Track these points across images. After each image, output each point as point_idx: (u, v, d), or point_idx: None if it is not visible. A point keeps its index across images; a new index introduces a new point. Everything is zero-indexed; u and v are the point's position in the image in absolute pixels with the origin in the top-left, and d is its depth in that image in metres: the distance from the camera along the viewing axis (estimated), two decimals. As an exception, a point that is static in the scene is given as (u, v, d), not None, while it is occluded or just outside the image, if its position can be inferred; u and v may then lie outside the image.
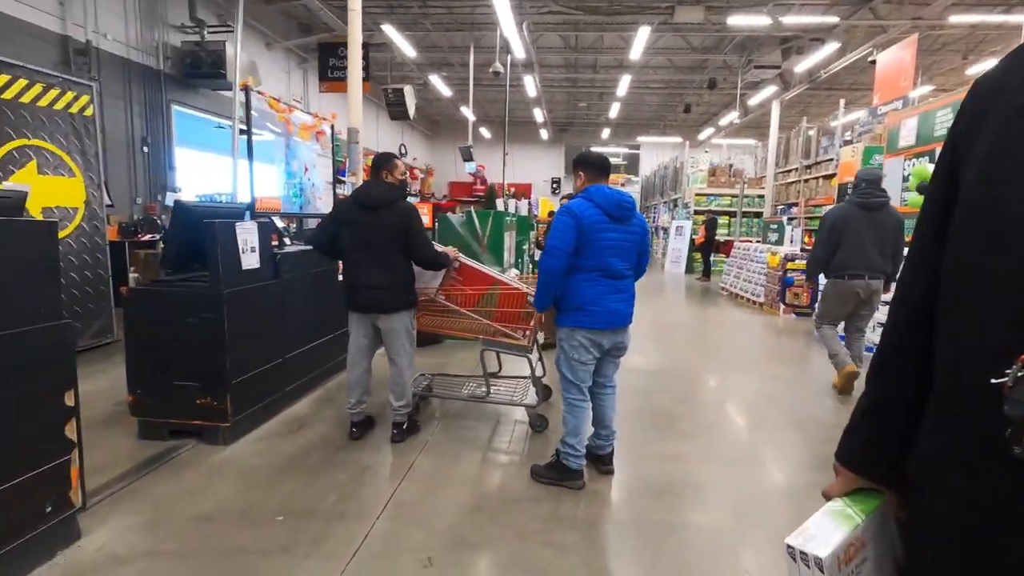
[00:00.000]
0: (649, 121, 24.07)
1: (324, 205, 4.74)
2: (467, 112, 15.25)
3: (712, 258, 13.63)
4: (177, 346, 3.23)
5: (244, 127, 4.01)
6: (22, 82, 4.59)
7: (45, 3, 7.30)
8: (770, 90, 14.79)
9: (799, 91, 14.62)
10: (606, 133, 24.56)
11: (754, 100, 15.88)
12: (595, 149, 25.91)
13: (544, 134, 23.47)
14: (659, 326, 7.34)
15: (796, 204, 11.74)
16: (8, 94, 4.49)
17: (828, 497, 0.90)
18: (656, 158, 23.60)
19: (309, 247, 4.24)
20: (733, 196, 14.50)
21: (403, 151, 19.08)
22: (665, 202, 19.08)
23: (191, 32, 9.44)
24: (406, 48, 12.11)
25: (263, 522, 2.52)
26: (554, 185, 26.31)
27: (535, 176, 25.67)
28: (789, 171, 13.14)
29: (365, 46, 10.81)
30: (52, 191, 4.87)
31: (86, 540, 2.32)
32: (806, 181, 11.87)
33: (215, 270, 3.19)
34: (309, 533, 2.45)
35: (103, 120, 7.16)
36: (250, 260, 3.45)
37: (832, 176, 10.32)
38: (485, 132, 23.08)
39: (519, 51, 11.79)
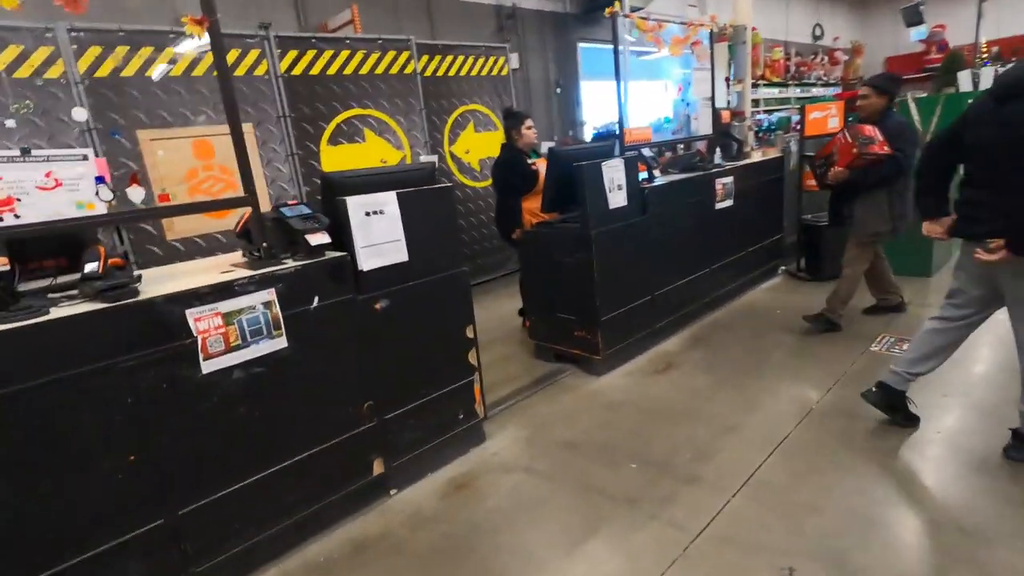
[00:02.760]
0: None
1: (702, 127, 4.29)
2: (917, -45, 11.18)
3: None
4: (557, 282, 3.56)
5: (635, 51, 3.92)
6: (460, 58, 5.71)
7: (481, -18, 8.80)
8: None
9: None
10: None
11: None
12: None
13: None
14: None
15: None
16: (452, 71, 5.67)
17: None
18: None
19: (682, 176, 3.94)
20: None
21: (819, 32, 15.85)
22: None
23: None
24: None
25: (617, 465, 2.59)
26: (1081, 27, 17.17)
27: (1041, 20, 17.28)
28: None
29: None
30: (483, 146, 6.02)
31: (488, 443, 2.88)
32: None
33: (584, 211, 3.31)
34: (658, 491, 2.37)
35: (527, 72, 8.29)
36: (617, 199, 3.43)
37: None
38: (949, -25, 16.66)
39: None
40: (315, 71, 4.67)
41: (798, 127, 5.36)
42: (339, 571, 2.10)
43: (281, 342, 2.08)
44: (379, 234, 2.34)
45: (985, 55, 11.34)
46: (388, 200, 2.36)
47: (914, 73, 17.93)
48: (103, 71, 3.67)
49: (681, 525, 2.15)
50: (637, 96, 4.18)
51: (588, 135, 9.35)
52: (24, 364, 1.58)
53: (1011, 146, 2.01)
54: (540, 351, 3.86)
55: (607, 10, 3.51)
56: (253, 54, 4.33)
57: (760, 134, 6.80)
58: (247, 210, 2.32)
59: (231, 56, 4.20)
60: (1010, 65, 2.99)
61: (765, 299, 4.53)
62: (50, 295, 1.83)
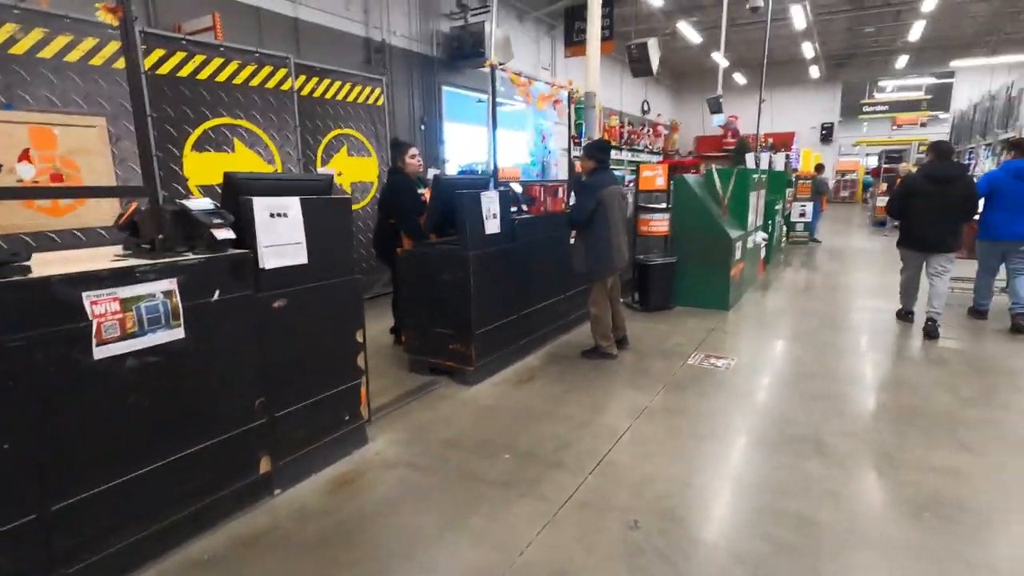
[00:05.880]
0: (971, 39, 18.55)
1: (560, 171, 4.97)
2: (718, 58, 13.93)
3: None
4: (435, 299, 3.85)
5: (492, 100, 4.46)
6: (337, 83, 5.83)
7: (355, 14, 9.01)
8: None
9: None
10: (902, 62, 19.78)
11: None
12: (884, 82, 21.15)
13: (814, 72, 20.05)
14: (954, 303, 5.83)
15: None
16: (329, 94, 5.77)
17: None
18: (979, 87, 18.15)
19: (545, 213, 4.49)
20: (1109, 131, 10.36)
21: (646, 108, 18.52)
22: (988, 144, 14.64)
23: (457, 18, 10.58)
24: (652, -2, 11.54)
25: (493, 456, 2.91)
26: (824, 132, 22.50)
27: (799, 123, 22.31)
28: None
29: (608, 3, 10.65)
30: (356, 170, 6.15)
31: (371, 445, 3.01)
32: None
33: (463, 234, 3.67)
34: (528, 474, 2.73)
35: (392, 106, 8.59)
36: (492, 225, 3.86)
37: None
38: (739, 78, 20.82)
39: (784, -22, 10.19)
40: (183, 73, 4.49)
41: (630, 183, 6.45)
42: (227, 566, 2.09)
43: (179, 332, 2.07)
44: (282, 235, 2.45)
45: (764, 144, 14.35)
46: (292, 204, 2.49)
47: (716, 151, 21.67)
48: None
49: (548, 498, 2.53)
50: (508, 138, 4.71)
51: (452, 171, 9.87)
52: None
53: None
54: (414, 365, 4.06)
55: (487, 63, 4.01)
56: (113, 45, 4.05)
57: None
58: (133, 203, 2.28)
59: (88, 44, 3.91)
60: (933, 159, 4.93)
61: (607, 324, 5.27)
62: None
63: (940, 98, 20.69)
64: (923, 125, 21.20)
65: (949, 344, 4.69)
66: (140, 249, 2.23)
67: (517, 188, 4.45)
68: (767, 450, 2.98)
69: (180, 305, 2.07)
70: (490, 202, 3.81)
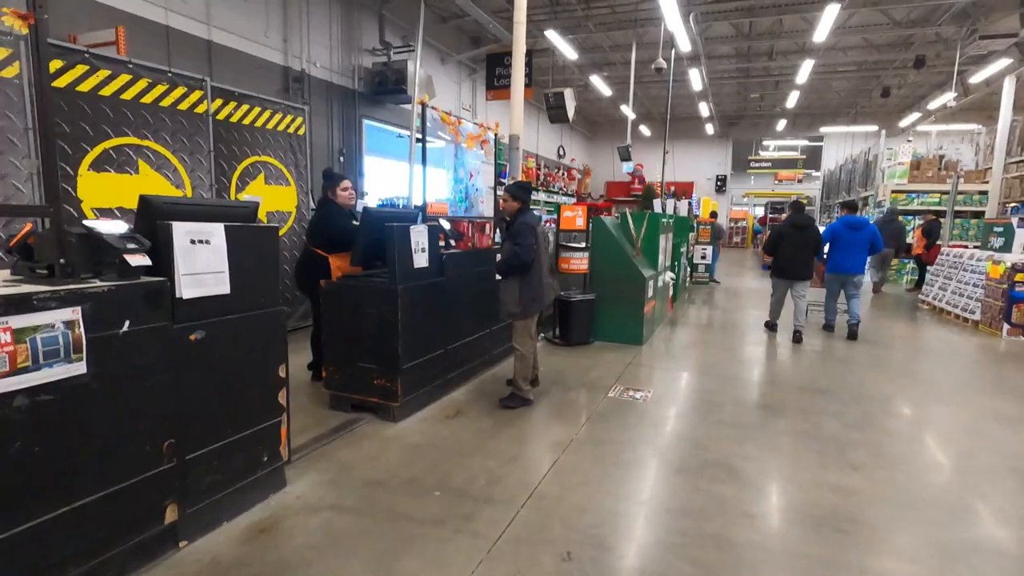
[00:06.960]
0: (836, 109, 21.39)
1: (486, 208, 5.08)
2: (627, 111, 15.01)
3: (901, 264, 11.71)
4: (360, 332, 3.74)
5: (419, 137, 4.51)
6: (257, 109, 5.64)
7: (274, 42, 8.81)
8: (1002, 63, 12.19)
9: (1045, 62, 11.84)
10: (781, 125, 22.37)
11: (977, 77, 13.22)
12: (767, 142, 23.75)
13: (709, 129, 22.13)
14: (834, 341, 6.55)
15: (1033, 202, 9.56)
16: (247, 120, 5.56)
17: None
18: (843, 150, 20.89)
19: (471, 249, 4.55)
20: (943, 193, 12.27)
21: (561, 152, 19.42)
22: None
23: (380, 54, 10.65)
24: (568, 52, 12.31)
25: (423, 494, 2.82)
26: (719, 183, 24.71)
27: (698, 174, 24.39)
28: (1025, 161, 10.75)
29: (528, 53, 11.22)
30: (274, 198, 5.91)
31: (290, 488, 2.82)
32: (1050, 173, 9.61)
33: (392, 267, 3.63)
34: (460, 511, 2.68)
35: (311, 136, 8.41)
36: (420, 259, 3.85)
37: (1090, 167, 8.22)
38: (645, 130, 22.48)
39: (684, 45, 11.29)
40: (84, 88, 4.15)
41: (550, 222, 6.72)
42: (123, 632, 1.85)
43: (80, 367, 1.87)
44: (203, 263, 2.30)
45: (667, 191, 15.49)
46: (216, 231, 2.36)
47: (625, 196, 23.04)
48: None
49: (482, 535, 2.49)
50: (430, 175, 4.77)
51: (373, 205, 9.73)
52: None
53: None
54: (336, 401, 3.89)
55: (418, 100, 4.08)
56: (2, 52, 3.68)
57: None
58: (28, 223, 2.07)
59: (-30, 48, 3.53)
60: (792, 213, 6.91)
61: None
62: None
63: (813, 158, 23.50)
64: (800, 181, 23.91)
65: (828, 373, 5.24)
66: (34, 275, 2.01)
67: (445, 224, 4.48)
68: (686, 476, 3.14)
69: (83, 337, 1.87)
70: (419, 236, 3.81)
